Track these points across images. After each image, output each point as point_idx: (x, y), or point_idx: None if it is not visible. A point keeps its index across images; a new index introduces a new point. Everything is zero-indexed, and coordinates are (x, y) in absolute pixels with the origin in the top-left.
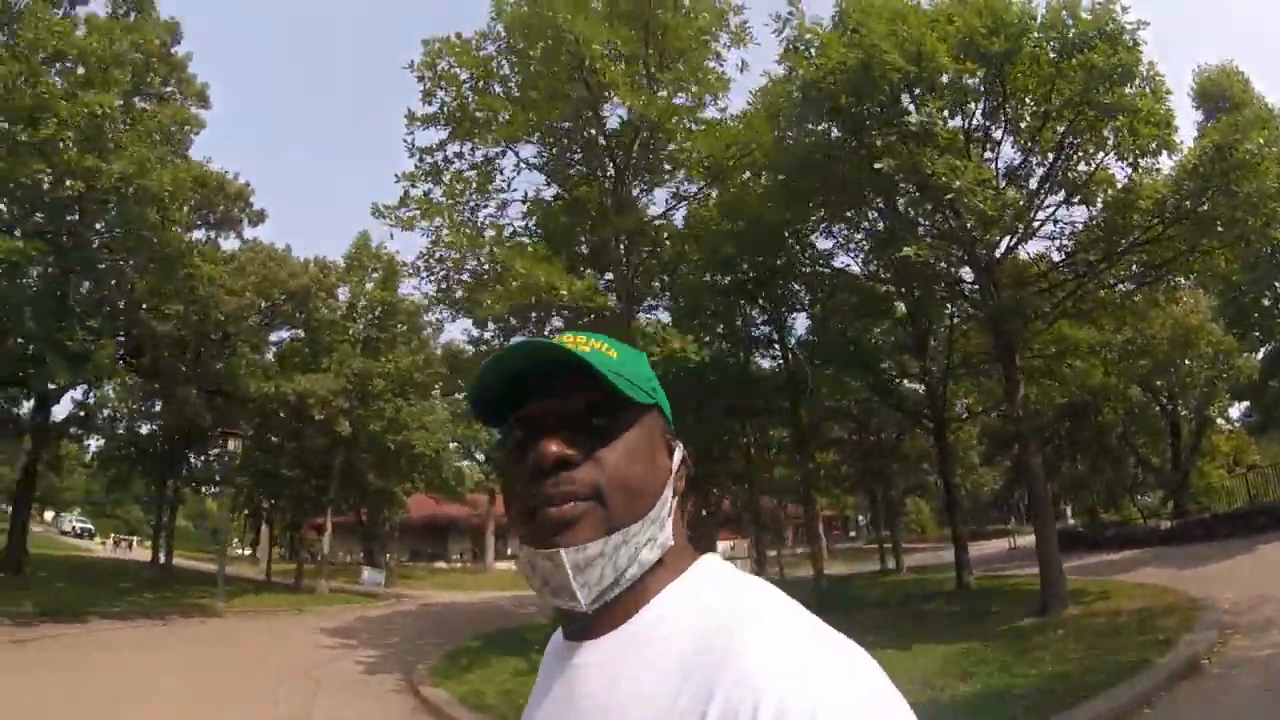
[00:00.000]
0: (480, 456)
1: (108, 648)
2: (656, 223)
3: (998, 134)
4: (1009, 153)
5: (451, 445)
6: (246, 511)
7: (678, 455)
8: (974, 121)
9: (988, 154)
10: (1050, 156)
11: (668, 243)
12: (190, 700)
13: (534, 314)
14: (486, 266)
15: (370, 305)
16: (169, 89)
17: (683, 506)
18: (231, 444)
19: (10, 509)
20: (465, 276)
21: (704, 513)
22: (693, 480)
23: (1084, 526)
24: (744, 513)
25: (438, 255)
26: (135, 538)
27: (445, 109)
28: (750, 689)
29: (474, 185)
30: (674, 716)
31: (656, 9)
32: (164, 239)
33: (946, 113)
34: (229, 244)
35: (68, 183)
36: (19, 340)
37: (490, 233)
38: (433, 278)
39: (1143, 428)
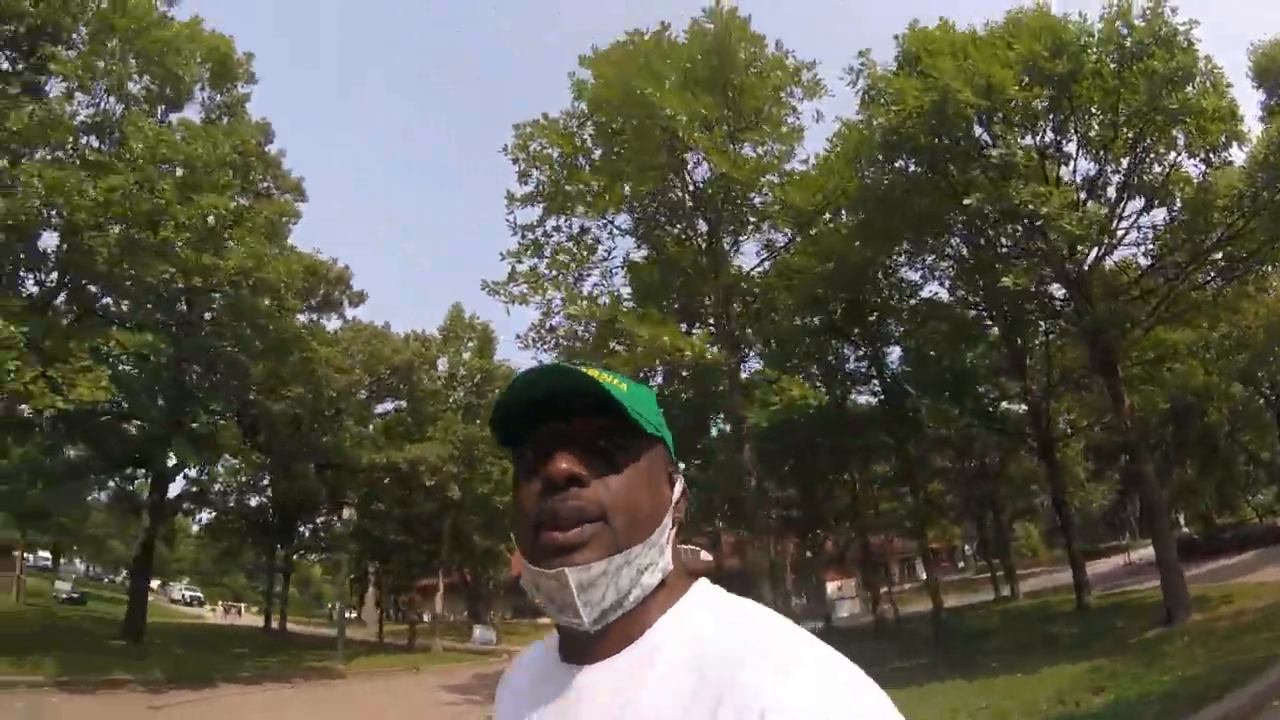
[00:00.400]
0: None
1: (235, 711)
2: (751, 273)
3: (1069, 148)
4: (1084, 165)
5: None
6: (353, 576)
7: (679, 487)
8: (1044, 138)
9: (1063, 169)
10: (1124, 163)
11: (757, 291)
12: None
13: (640, 374)
14: (592, 333)
15: (470, 373)
16: (265, 184)
17: (679, 537)
18: (346, 513)
19: (127, 581)
20: (576, 344)
21: (809, 554)
22: (797, 523)
23: (1198, 534)
24: (847, 551)
25: (548, 325)
26: (242, 604)
27: (541, 187)
28: (757, 712)
29: (575, 256)
30: None
31: (731, 74)
32: (279, 326)
33: (1018, 136)
34: (331, 324)
35: (171, 274)
36: (142, 425)
37: (604, 299)
38: (546, 347)
39: (1249, 423)
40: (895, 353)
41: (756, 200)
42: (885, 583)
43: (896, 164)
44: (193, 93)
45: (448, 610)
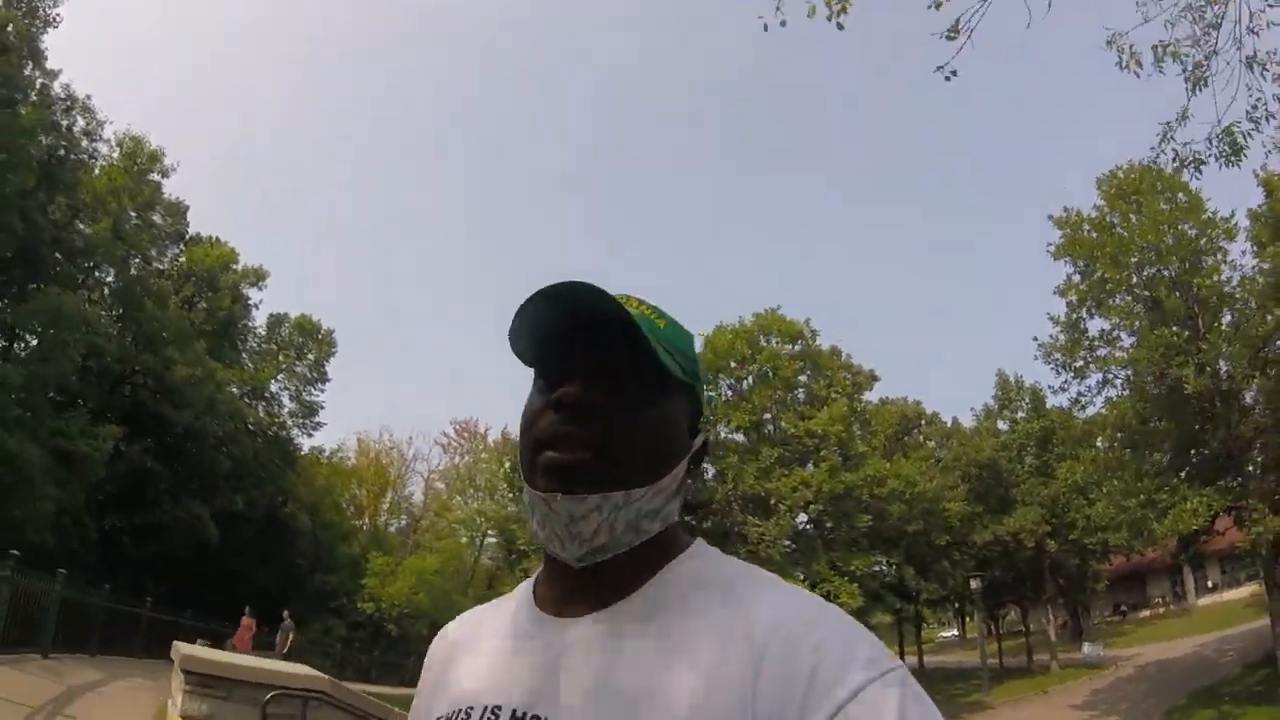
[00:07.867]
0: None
1: None
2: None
3: None
4: None
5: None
6: (958, 605)
7: (699, 440)
8: None
9: None
10: None
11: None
12: None
13: None
14: None
15: (1027, 436)
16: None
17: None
18: (974, 584)
19: None
20: None
21: None
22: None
23: None
24: None
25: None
26: None
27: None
28: (791, 643)
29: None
30: (712, 683)
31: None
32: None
33: None
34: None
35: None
36: None
37: None
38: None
39: None
40: None
41: None
42: None
43: None
44: None
45: (1051, 622)
